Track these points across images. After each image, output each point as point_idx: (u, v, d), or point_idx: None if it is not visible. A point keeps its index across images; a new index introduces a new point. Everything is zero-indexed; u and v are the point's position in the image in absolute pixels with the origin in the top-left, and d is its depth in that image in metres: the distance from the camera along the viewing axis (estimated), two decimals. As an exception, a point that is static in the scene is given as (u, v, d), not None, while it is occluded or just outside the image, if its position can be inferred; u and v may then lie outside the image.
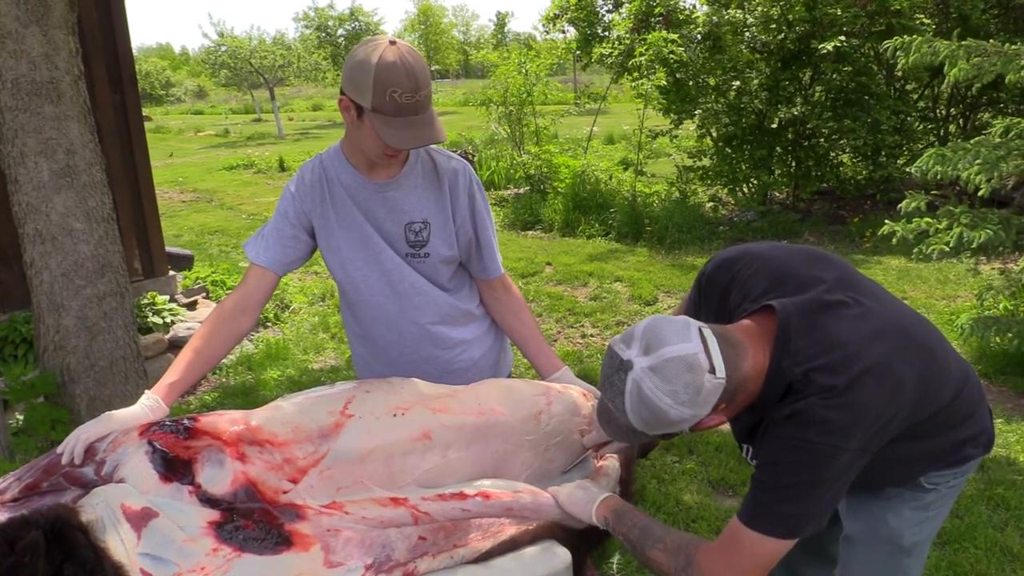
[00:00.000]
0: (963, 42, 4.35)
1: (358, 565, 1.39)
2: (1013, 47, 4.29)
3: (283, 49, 21.85)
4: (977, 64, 4.33)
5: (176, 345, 4.11)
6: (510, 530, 1.52)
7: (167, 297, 4.45)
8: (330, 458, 1.49)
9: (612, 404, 1.29)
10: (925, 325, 1.48)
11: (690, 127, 8.72)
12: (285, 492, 1.47)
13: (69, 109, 2.82)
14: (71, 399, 2.98)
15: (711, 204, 8.74)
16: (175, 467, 1.42)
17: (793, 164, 8.33)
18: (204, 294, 4.74)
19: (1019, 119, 4.77)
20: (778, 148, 8.24)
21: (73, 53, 2.82)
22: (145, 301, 4.20)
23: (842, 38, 7.12)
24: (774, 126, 8.20)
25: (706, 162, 8.54)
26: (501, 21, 43.09)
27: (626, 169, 9.40)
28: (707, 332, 1.27)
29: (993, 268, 5.54)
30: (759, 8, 7.82)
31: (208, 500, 1.40)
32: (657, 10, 8.03)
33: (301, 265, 1.92)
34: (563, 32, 10.05)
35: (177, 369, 1.69)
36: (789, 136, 8.19)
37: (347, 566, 1.38)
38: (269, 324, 5.03)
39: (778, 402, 1.31)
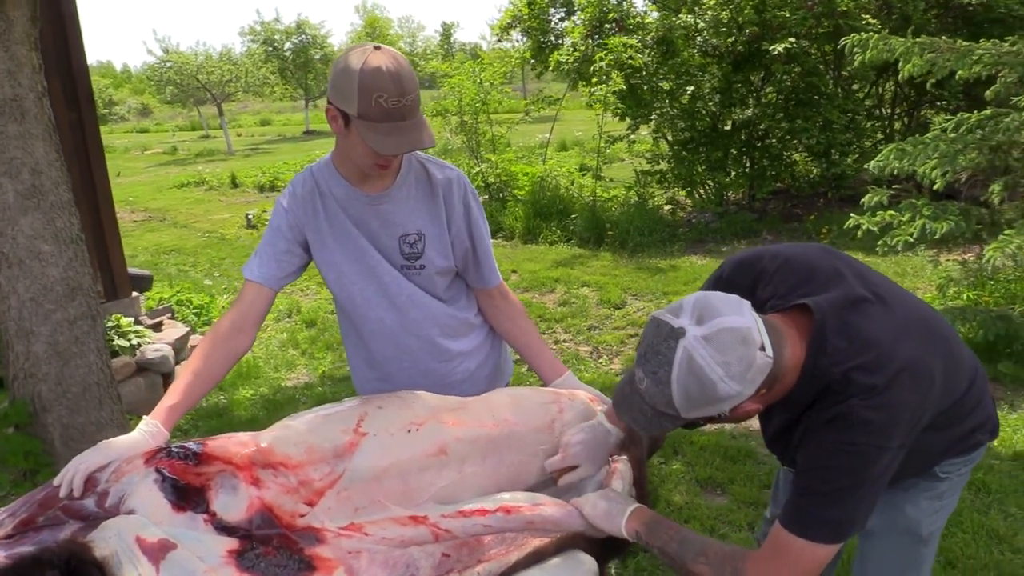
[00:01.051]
0: (917, 39, 4.46)
1: (381, 588, 1.35)
2: (964, 44, 4.41)
3: (230, 64, 21.51)
4: (930, 60, 4.45)
5: (145, 368, 4.00)
6: (534, 541, 1.50)
7: (131, 319, 4.32)
8: (347, 478, 1.45)
9: (653, 377, 1.23)
10: (939, 316, 1.49)
11: (645, 132, 8.81)
12: (302, 515, 1.42)
13: (34, 127, 2.72)
14: (43, 428, 2.87)
15: (669, 207, 8.83)
16: (187, 495, 1.36)
17: (748, 165, 8.47)
18: (170, 315, 4.61)
19: (968, 114, 4.91)
20: (733, 150, 8.37)
21: (36, 69, 2.72)
22: (110, 324, 4.07)
23: (792, 40, 7.26)
24: (728, 128, 8.32)
25: (663, 166, 8.63)
26: (447, 32, 43.15)
27: (584, 175, 9.45)
28: (755, 313, 1.26)
29: (952, 260, 5.68)
30: (709, 12, 7.93)
31: (224, 528, 1.35)
32: (611, 16, 8.10)
33: (296, 279, 1.87)
34: (511, 41, 10.08)
35: (176, 392, 1.63)
36: (743, 137, 8.32)
37: (372, 589, 1.34)
38: (237, 343, 4.92)
39: (814, 403, 1.31)
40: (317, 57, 23.54)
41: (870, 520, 1.57)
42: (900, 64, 4.54)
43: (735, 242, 7.54)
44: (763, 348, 1.21)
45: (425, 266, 1.82)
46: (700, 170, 8.33)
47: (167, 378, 4.13)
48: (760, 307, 1.40)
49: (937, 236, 4.03)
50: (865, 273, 1.43)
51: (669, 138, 8.43)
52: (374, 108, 1.55)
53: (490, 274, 1.91)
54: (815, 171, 8.44)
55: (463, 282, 1.95)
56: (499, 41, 9.73)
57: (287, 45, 23.24)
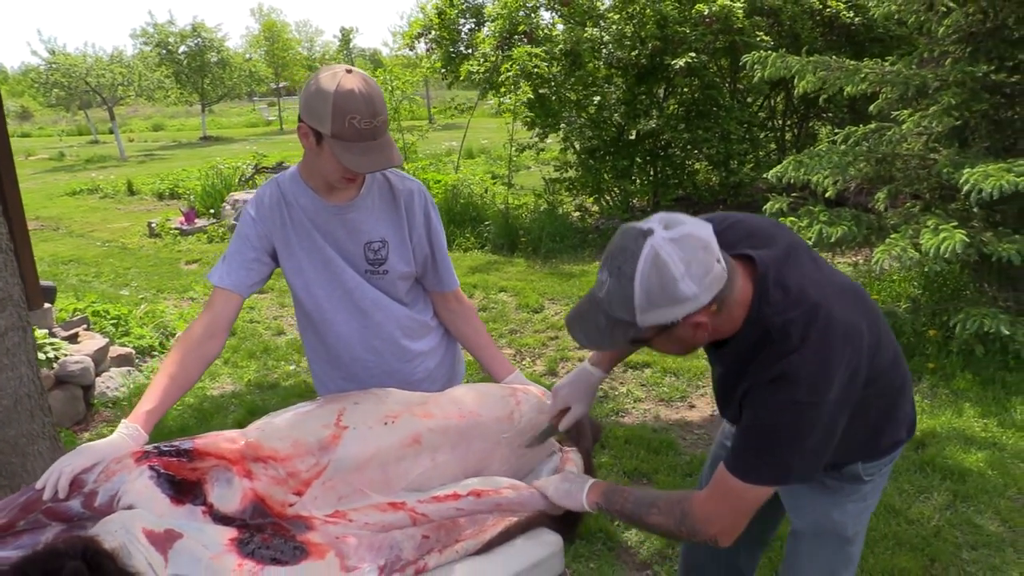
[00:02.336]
0: (811, 58, 4.82)
1: (372, 568, 1.45)
2: (853, 63, 4.79)
3: (122, 67, 20.67)
4: (822, 77, 4.81)
5: (64, 381, 3.90)
6: (504, 522, 1.62)
7: (45, 331, 4.20)
8: (331, 469, 1.55)
9: (617, 273, 1.29)
10: (867, 294, 1.58)
11: (553, 140, 9.05)
12: (291, 505, 1.51)
13: (-40, 136, 2.66)
14: (-29, 443, 2.80)
15: (578, 213, 9.09)
16: (184, 489, 1.43)
17: (652, 173, 8.82)
18: (85, 326, 4.50)
19: (855, 127, 5.33)
20: (638, 158, 8.68)
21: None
22: (24, 336, 3.95)
23: (692, 54, 7.62)
24: (632, 138, 8.64)
25: (571, 173, 8.88)
26: (346, 37, 42.64)
27: (495, 182, 9.62)
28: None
29: (843, 263, 6.11)
30: (614, 26, 8.23)
31: (221, 518, 1.43)
32: (520, 27, 8.29)
33: (261, 287, 1.94)
34: (413, 49, 10.14)
35: (152, 396, 1.68)
36: (647, 147, 8.66)
37: (362, 569, 1.44)
38: (155, 354, 4.84)
39: (756, 354, 1.38)
40: (214, 60, 22.93)
41: (798, 523, 1.73)
42: (796, 80, 4.89)
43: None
44: (719, 261, 1.31)
45: (388, 271, 1.93)
46: (607, 178, 8.61)
47: (87, 390, 4.04)
48: None
49: (832, 240, 4.36)
50: (804, 247, 1.53)
51: (577, 147, 8.69)
52: (347, 129, 1.65)
53: (448, 278, 2.03)
54: (714, 179, 8.87)
55: (420, 287, 2.06)
56: (410, 49, 9.75)
57: (182, 48, 22.52)
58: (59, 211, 11.52)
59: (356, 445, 1.57)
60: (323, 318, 1.94)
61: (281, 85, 28.69)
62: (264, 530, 1.43)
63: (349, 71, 1.71)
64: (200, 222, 9.28)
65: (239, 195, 9.42)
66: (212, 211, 9.54)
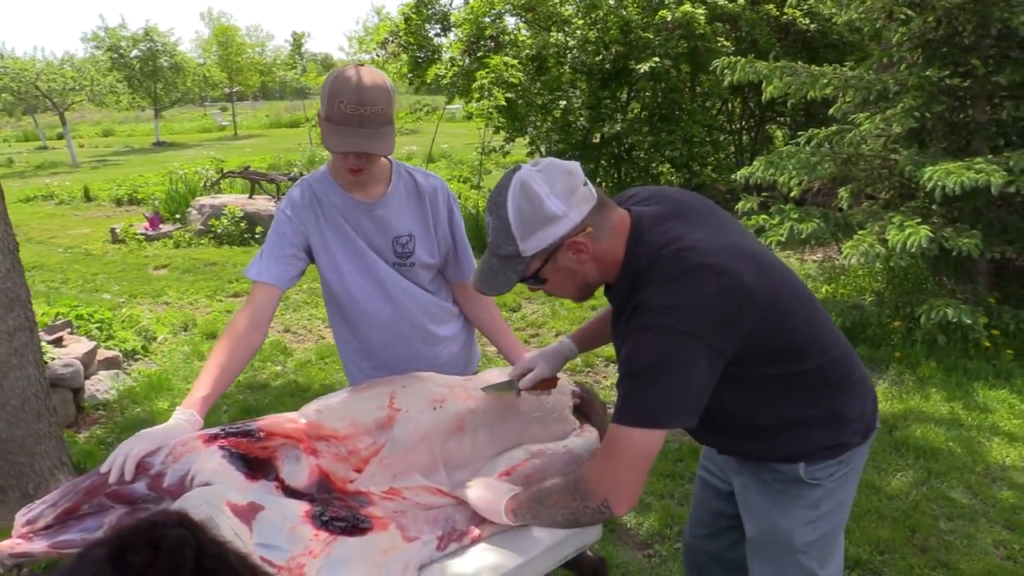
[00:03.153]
0: (778, 63, 5.03)
1: (431, 537, 1.55)
2: (817, 69, 5.02)
3: (74, 72, 20.24)
4: (788, 82, 5.03)
5: (55, 384, 3.88)
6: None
7: (30, 335, 4.19)
8: (387, 448, 1.64)
9: (494, 206, 1.41)
10: (789, 273, 1.53)
11: (520, 143, 9.18)
12: (351, 481, 1.60)
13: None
14: (-20, 443, 2.82)
15: (545, 216, 9.24)
16: (257, 466, 1.51)
17: (617, 176, 9.01)
18: (69, 329, 4.49)
19: (817, 129, 5.57)
20: (603, 161, 8.88)
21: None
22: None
23: (656, 59, 7.82)
24: (598, 141, 8.83)
25: (538, 176, 9.02)
26: (297, 41, 42.29)
27: (464, 185, 9.71)
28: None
29: (813, 260, 6.36)
30: (578, 32, 8.41)
31: (292, 493, 1.51)
32: (487, 32, 8.42)
33: (297, 282, 2.02)
34: (373, 54, 10.21)
35: (205, 384, 1.76)
36: (612, 150, 8.85)
37: (422, 539, 1.54)
38: (139, 357, 4.84)
39: (630, 292, 1.42)
40: (167, 65, 22.59)
41: (749, 530, 1.66)
42: (764, 85, 5.09)
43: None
44: (586, 185, 1.40)
45: (415, 263, 2.04)
46: (573, 181, 8.77)
47: (77, 393, 4.05)
48: None
49: (803, 236, 4.57)
50: (718, 212, 1.54)
51: (543, 150, 8.85)
52: (336, 112, 1.76)
53: (469, 268, 2.14)
54: (676, 181, 9.10)
55: (441, 277, 2.16)
56: (377, 54, 9.80)
57: (134, 52, 22.13)
58: (15, 218, 11.16)
59: (409, 427, 1.67)
60: (357, 308, 2.04)
61: (234, 90, 28.36)
62: (331, 504, 1.52)
63: (359, 66, 1.84)
64: (165, 227, 9.20)
65: (205, 200, 9.36)
66: (177, 216, 9.46)
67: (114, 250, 8.73)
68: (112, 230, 9.29)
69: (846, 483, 1.59)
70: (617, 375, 1.43)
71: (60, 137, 23.22)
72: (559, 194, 1.37)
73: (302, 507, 1.47)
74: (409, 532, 1.55)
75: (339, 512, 1.50)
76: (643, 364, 1.34)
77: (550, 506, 1.50)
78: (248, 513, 1.40)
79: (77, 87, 20.06)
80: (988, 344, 4.29)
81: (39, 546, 1.57)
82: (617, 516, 1.48)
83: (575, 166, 1.42)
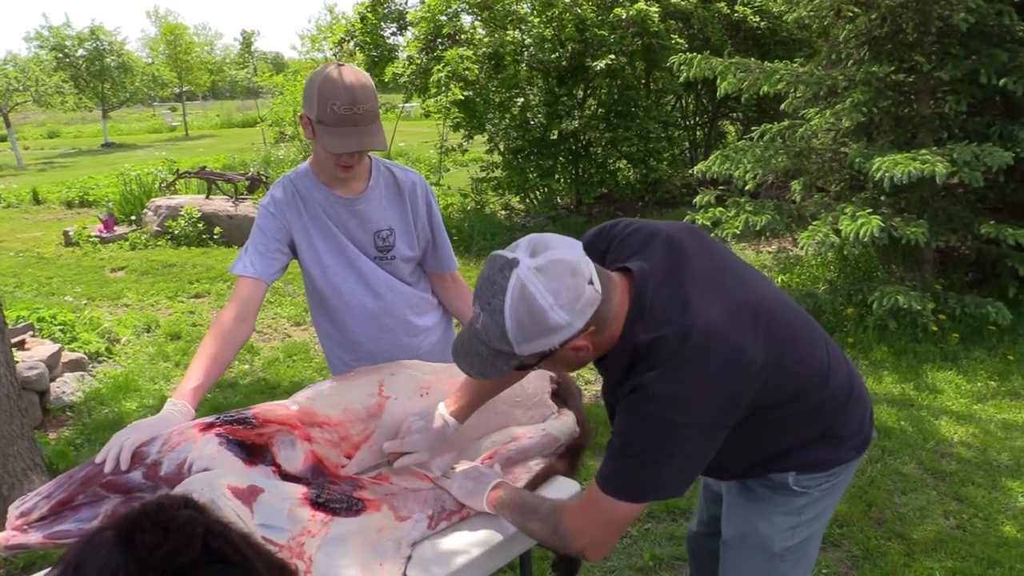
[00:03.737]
0: (732, 60, 5.18)
1: (422, 516, 1.62)
2: (770, 65, 5.18)
3: (17, 72, 19.73)
4: (742, 78, 5.18)
5: (22, 387, 3.86)
6: (529, 473, 1.82)
7: (-9, 339, 4.14)
8: (377, 435, 1.71)
9: (488, 308, 1.26)
10: (793, 309, 1.50)
11: (480, 141, 9.25)
12: (343, 466, 1.66)
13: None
14: (-48, 446, 2.80)
15: (504, 212, 9.33)
16: (255, 452, 1.56)
17: (575, 172, 9.12)
18: (31, 332, 4.44)
19: (769, 124, 5.74)
20: (561, 158, 8.97)
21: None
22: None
23: (611, 56, 7.94)
24: (555, 138, 8.93)
25: (497, 173, 9.10)
26: (247, 40, 41.71)
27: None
28: (588, 258, 1.29)
29: (768, 251, 6.54)
30: (535, 30, 8.50)
31: (288, 477, 1.57)
32: (444, 30, 8.46)
33: (281, 276, 2.06)
34: (331, 52, 10.19)
35: (196, 375, 1.79)
36: (570, 147, 8.95)
37: (414, 518, 1.60)
38: (103, 359, 4.80)
39: (629, 369, 1.34)
40: (114, 65, 22.14)
41: (726, 530, 1.66)
42: (718, 81, 5.24)
43: (570, 243, 8.13)
44: (592, 282, 1.26)
45: (395, 256, 2.10)
46: (532, 177, 8.86)
47: (43, 396, 4.02)
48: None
49: (758, 228, 4.72)
50: (714, 253, 1.46)
51: (502, 147, 8.92)
52: (329, 113, 1.82)
53: (447, 260, 2.21)
54: (633, 177, 9.25)
55: (421, 269, 2.23)
56: (334, 53, 9.77)
57: (80, 52, 21.66)
58: (-39, 222, 11.02)
59: (398, 414, 1.74)
60: (341, 301, 2.09)
61: (184, 90, 27.92)
62: (326, 487, 1.58)
63: (340, 65, 1.90)
64: (120, 229, 9.08)
65: (161, 201, 9.25)
66: (133, 218, 9.34)
67: (68, 253, 8.60)
68: (65, 233, 9.14)
69: (832, 493, 1.58)
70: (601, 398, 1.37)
71: (3, 139, 22.62)
72: (564, 303, 1.23)
73: (299, 490, 1.53)
74: (401, 512, 1.61)
75: (334, 495, 1.56)
76: (640, 449, 1.31)
77: (530, 529, 1.52)
78: (249, 496, 1.45)
79: (21, 88, 19.55)
80: (935, 328, 4.48)
81: (34, 537, 1.59)
82: (590, 562, 1.51)
83: (579, 259, 1.26)
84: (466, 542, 1.60)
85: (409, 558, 1.53)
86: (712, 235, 4.75)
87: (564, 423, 1.98)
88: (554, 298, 1.22)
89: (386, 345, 2.14)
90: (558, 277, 1.23)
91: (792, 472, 1.52)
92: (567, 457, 1.97)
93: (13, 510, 1.62)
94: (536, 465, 1.85)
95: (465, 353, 1.36)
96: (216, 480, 1.46)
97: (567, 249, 1.26)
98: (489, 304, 1.26)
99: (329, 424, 1.67)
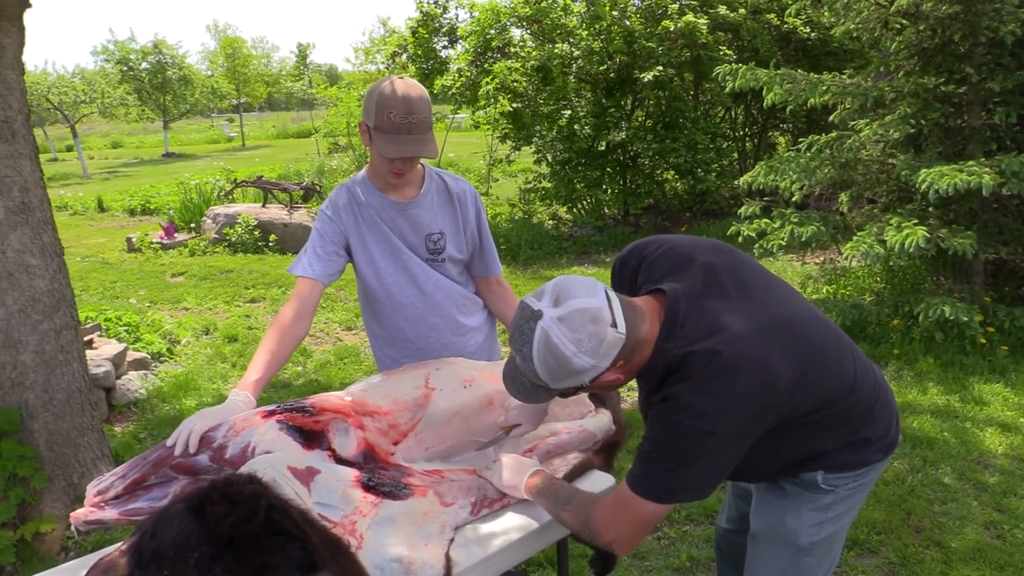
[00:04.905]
0: (778, 71, 5.21)
1: (466, 503, 1.72)
2: (816, 76, 5.20)
3: (84, 84, 20.56)
4: (788, 89, 5.20)
5: (92, 384, 4.08)
6: (566, 467, 1.91)
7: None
8: (423, 423, 1.82)
9: (520, 354, 1.38)
10: (820, 323, 1.55)
11: (528, 152, 9.37)
12: (392, 454, 1.78)
13: (22, 147, 2.88)
14: (29, 435, 2.98)
15: (552, 222, 9.43)
16: (312, 438, 1.69)
17: (622, 183, 9.19)
18: (98, 332, 4.68)
19: (817, 136, 5.74)
20: (608, 169, 9.05)
21: (24, 92, 2.90)
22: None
23: (659, 68, 8.00)
24: (603, 149, 9.01)
25: (545, 184, 9.21)
26: (303, 53, 42.63)
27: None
28: (611, 293, 1.39)
29: (815, 263, 6.53)
30: (583, 42, 8.61)
31: (342, 462, 1.69)
32: (494, 43, 8.63)
33: (338, 278, 2.19)
34: (376, 64, 10.43)
35: (257, 368, 1.93)
36: (617, 158, 9.03)
37: (458, 504, 1.71)
38: (164, 359, 5.02)
39: (662, 381, 1.42)
40: (175, 77, 22.91)
41: (755, 524, 1.72)
42: (764, 92, 5.27)
43: (616, 253, 8.17)
44: (615, 324, 1.35)
45: (445, 259, 2.22)
46: (579, 187, 8.95)
47: (109, 392, 4.23)
48: (638, 290, 1.56)
49: (803, 239, 4.74)
50: (749, 271, 1.54)
51: (549, 158, 9.03)
52: (386, 122, 1.97)
53: (493, 265, 2.33)
54: (681, 188, 9.28)
55: (468, 272, 2.34)
56: (386, 67, 10.00)
57: (143, 65, 22.46)
58: (31, 228, 11.49)
59: (443, 403, 1.85)
60: (392, 300, 2.21)
61: (242, 101, 28.69)
62: (376, 472, 1.70)
63: (400, 79, 2.03)
64: (180, 236, 9.41)
65: (219, 209, 9.57)
66: (192, 225, 9.67)
67: (131, 258, 8.94)
68: (128, 239, 9.50)
69: (859, 492, 1.64)
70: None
71: (70, 149, 23.48)
72: (587, 350, 1.34)
73: (352, 473, 1.65)
74: (446, 499, 1.72)
75: (384, 479, 1.68)
76: (670, 453, 1.39)
77: (563, 518, 1.61)
78: (307, 476, 1.57)
79: (88, 99, 20.37)
80: (984, 341, 4.45)
81: (110, 514, 1.73)
82: (618, 555, 1.62)
83: (600, 306, 1.35)
84: (505, 527, 1.70)
85: (451, 540, 1.63)
86: (757, 246, 4.80)
87: (601, 420, 2.07)
88: (576, 347, 1.33)
89: (434, 343, 2.26)
90: (580, 326, 1.33)
91: (821, 471, 1.58)
92: (603, 453, 2.06)
93: (91, 488, 1.76)
94: (574, 459, 1.94)
95: (512, 381, 1.48)
96: (277, 461, 1.58)
97: (588, 297, 1.36)
98: (520, 351, 1.39)
99: (379, 413, 1.79)
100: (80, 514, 1.70)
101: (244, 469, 1.62)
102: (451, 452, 1.91)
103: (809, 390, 1.44)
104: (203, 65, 28.93)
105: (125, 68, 22.16)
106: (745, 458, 1.44)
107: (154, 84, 22.50)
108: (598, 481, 1.90)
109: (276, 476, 1.55)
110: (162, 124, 24.78)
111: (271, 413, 1.74)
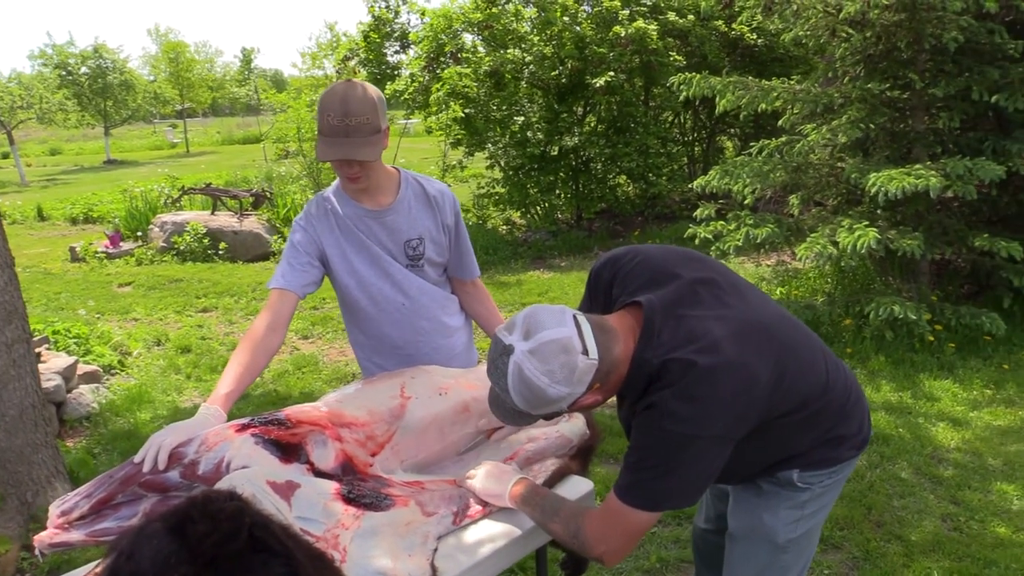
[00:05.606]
0: (731, 79, 5.30)
1: (448, 513, 1.71)
2: (767, 83, 5.30)
3: (21, 89, 19.90)
4: (740, 96, 5.30)
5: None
6: (544, 473, 1.91)
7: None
8: (399, 434, 1.80)
9: (498, 386, 1.42)
10: (792, 325, 1.59)
11: (481, 157, 9.37)
12: (370, 465, 1.76)
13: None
14: (-21, 453, 2.89)
15: (506, 227, 9.45)
16: (289, 451, 1.66)
17: (575, 188, 9.25)
18: (47, 345, 4.53)
19: (767, 140, 5.86)
20: (561, 174, 9.10)
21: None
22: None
23: (611, 74, 8.08)
24: (555, 154, 9.05)
25: (499, 189, 9.22)
26: (247, 57, 42.04)
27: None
28: (581, 318, 1.41)
29: (767, 264, 6.65)
30: (535, 48, 8.64)
31: (321, 475, 1.66)
32: (447, 48, 8.61)
33: (315, 290, 2.15)
34: (323, 70, 10.34)
35: (228, 381, 1.88)
36: (570, 163, 9.08)
37: (440, 513, 1.70)
38: (115, 371, 4.89)
39: (643, 391, 1.45)
40: (116, 82, 22.31)
41: (733, 524, 1.75)
42: (717, 99, 5.36)
43: (571, 257, 8.24)
44: (586, 352, 1.37)
45: (425, 264, 2.19)
46: (532, 193, 8.99)
47: (60, 407, 4.10)
48: (613, 303, 1.59)
49: (758, 241, 4.83)
50: (723, 278, 1.57)
51: (502, 164, 9.04)
52: (324, 124, 1.95)
53: (471, 267, 2.32)
54: (633, 192, 9.37)
55: (446, 274, 2.32)
56: (341, 72, 9.91)
57: (83, 69, 21.83)
58: (-33, 239, 11.10)
59: (418, 413, 1.84)
60: (377, 308, 2.18)
61: (185, 106, 28.12)
62: (356, 484, 1.68)
63: (350, 81, 2.02)
64: (126, 245, 9.19)
65: (166, 217, 9.37)
66: (139, 234, 9.45)
67: (75, 268, 8.70)
68: (71, 248, 9.24)
69: (833, 489, 1.68)
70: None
71: (6, 156, 22.76)
72: (560, 380, 1.36)
73: (332, 486, 1.62)
74: (428, 508, 1.71)
75: (364, 491, 1.66)
76: (655, 462, 1.41)
77: (550, 529, 1.61)
78: (286, 490, 1.54)
79: (25, 105, 19.73)
80: (932, 339, 4.58)
81: (76, 536, 1.67)
82: (607, 567, 1.61)
83: (569, 337, 1.37)
84: (489, 534, 1.69)
85: (435, 550, 1.62)
86: (713, 248, 4.88)
87: (575, 425, 2.08)
88: (549, 378, 1.36)
89: (423, 347, 2.23)
90: (551, 357, 1.36)
91: (796, 470, 1.61)
92: (579, 458, 2.07)
93: (54, 509, 1.69)
94: (552, 464, 1.94)
95: (497, 406, 1.50)
96: (256, 476, 1.55)
97: (558, 327, 1.38)
98: (498, 383, 1.42)
99: (356, 424, 1.77)
100: (44, 537, 1.64)
101: (222, 484, 1.59)
102: (428, 462, 1.90)
103: (786, 390, 1.47)
104: (145, 70, 28.32)
105: (64, 73, 21.53)
106: (727, 463, 1.46)
107: (94, 89, 21.90)
108: (577, 486, 1.91)
109: (255, 491, 1.52)
110: (103, 130, 24.14)
111: (245, 427, 1.70)
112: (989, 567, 2.69)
